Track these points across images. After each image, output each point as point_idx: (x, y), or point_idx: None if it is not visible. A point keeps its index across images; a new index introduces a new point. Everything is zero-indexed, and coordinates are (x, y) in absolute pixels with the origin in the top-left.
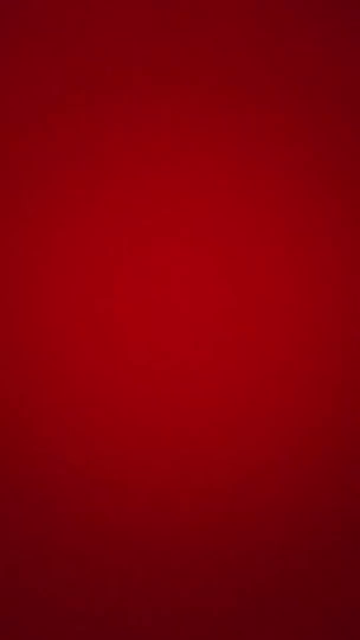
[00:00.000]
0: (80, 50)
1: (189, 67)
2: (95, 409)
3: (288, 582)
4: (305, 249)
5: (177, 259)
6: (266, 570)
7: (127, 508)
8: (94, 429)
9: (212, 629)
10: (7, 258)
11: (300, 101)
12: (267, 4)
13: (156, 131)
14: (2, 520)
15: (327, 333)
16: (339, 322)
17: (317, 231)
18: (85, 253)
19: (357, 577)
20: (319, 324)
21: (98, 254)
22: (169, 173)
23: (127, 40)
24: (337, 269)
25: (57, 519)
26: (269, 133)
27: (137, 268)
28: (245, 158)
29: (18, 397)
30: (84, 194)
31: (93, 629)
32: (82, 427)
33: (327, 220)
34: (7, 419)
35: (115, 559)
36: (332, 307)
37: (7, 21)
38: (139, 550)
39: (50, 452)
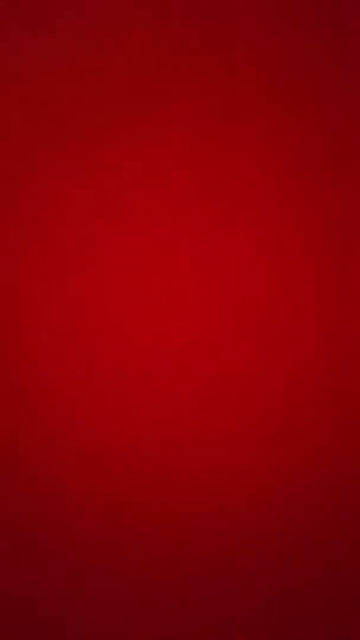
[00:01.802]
0: (81, 51)
1: (189, 68)
2: (94, 406)
3: (289, 584)
4: (307, 247)
5: (177, 258)
6: (266, 571)
7: (127, 508)
8: (94, 427)
9: (212, 629)
10: (6, 258)
11: (308, 104)
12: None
13: (157, 132)
14: (1, 517)
15: (328, 333)
16: (339, 322)
17: (319, 229)
18: (84, 253)
19: (358, 577)
20: (320, 322)
21: (96, 252)
22: (169, 176)
23: (127, 44)
24: (337, 270)
25: (57, 518)
26: (269, 133)
27: (137, 268)
28: (246, 159)
29: (16, 395)
30: (83, 194)
31: (92, 628)
32: (81, 426)
33: (328, 220)
34: (7, 418)
35: (114, 562)
36: (333, 308)
37: (7, 23)
38: (138, 551)
39: (49, 450)
